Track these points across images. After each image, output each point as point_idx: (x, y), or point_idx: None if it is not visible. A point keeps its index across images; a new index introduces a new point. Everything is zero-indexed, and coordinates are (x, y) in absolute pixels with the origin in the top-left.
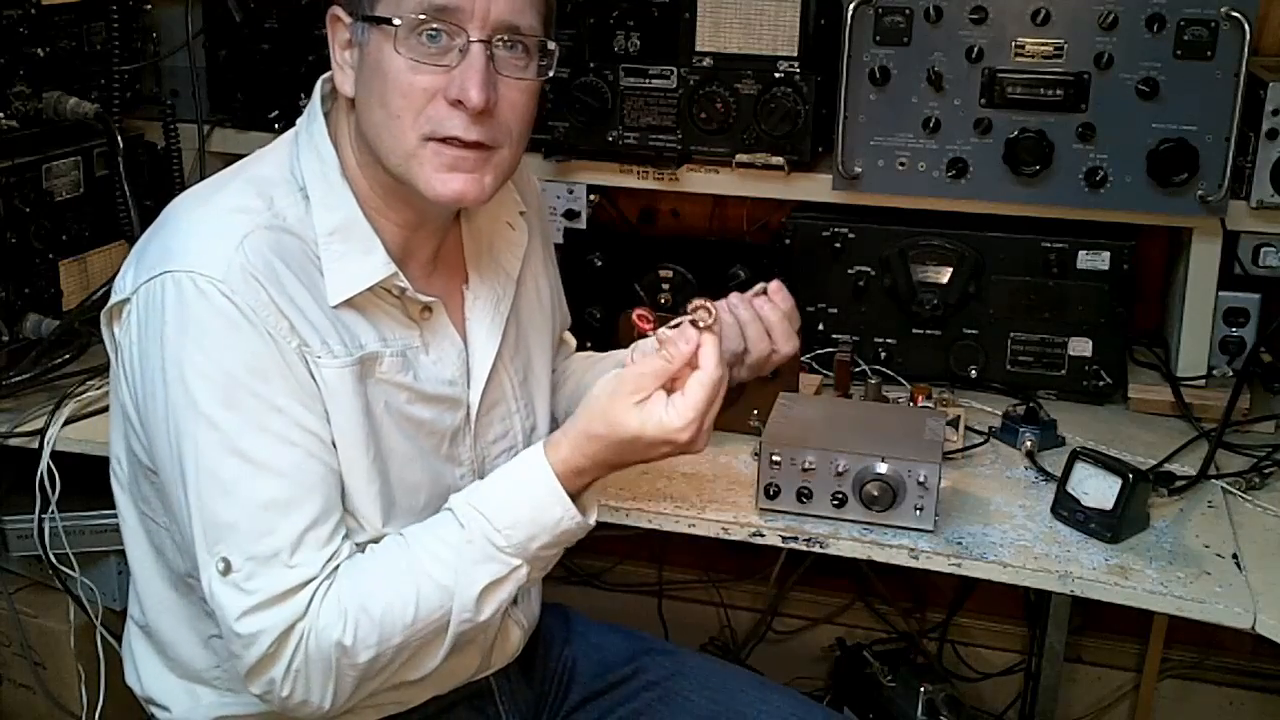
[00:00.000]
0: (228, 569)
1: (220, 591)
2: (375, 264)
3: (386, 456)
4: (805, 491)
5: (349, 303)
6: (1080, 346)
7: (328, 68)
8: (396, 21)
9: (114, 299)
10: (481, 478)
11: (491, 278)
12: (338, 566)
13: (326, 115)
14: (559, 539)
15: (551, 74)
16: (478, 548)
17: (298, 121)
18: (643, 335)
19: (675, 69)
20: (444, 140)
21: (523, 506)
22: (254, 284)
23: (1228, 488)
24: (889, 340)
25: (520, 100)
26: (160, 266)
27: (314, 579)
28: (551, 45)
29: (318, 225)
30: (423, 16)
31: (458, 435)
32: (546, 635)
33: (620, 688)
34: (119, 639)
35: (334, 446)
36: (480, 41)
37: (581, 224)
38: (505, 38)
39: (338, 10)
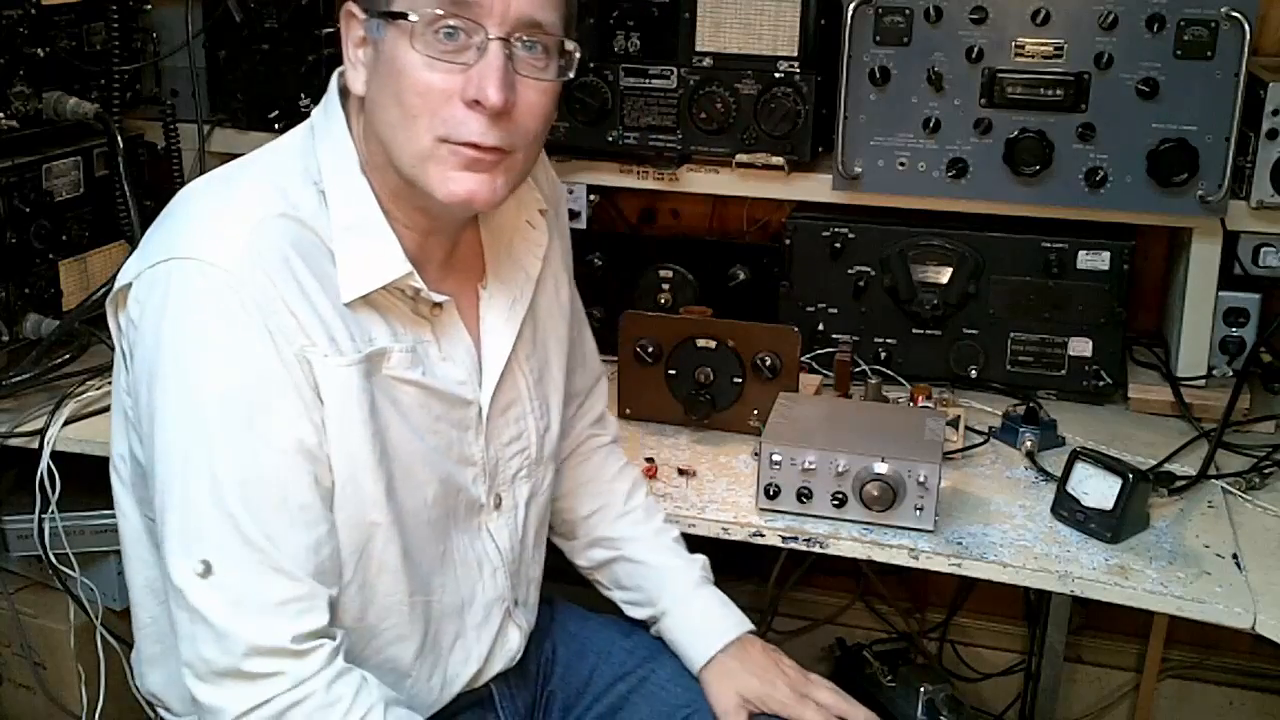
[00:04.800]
0: (208, 570)
1: (199, 592)
2: (390, 262)
3: (393, 455)
4: (805, 491)
5: (362, 299)
6: (1080, 346)
7: (329, 68)
8: (413, 17)
9: (118, 284)
10: (494, 480)
11: (510, 278)
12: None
13: (346, 111)
14: None
15: (571, 75)
16: None
17: (313, 115)
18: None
19: (675, 69)
20: (460, 144)
21: None
22: (261, 275)
23: (1228, 488)
24: (889, 340)
25: (539, 102)
26: (165, 253)
27: (322, 634)
28: (570, 46)
29: (334, 220)
30: (439, 11)
31: (468, 436)
32: (537, 628)
33: (594, 683)
34: (119, 639)
35: (328, 458)
36: (499, 39)
37: (581, 224)
38: (524, 36)
39: (352, 6)
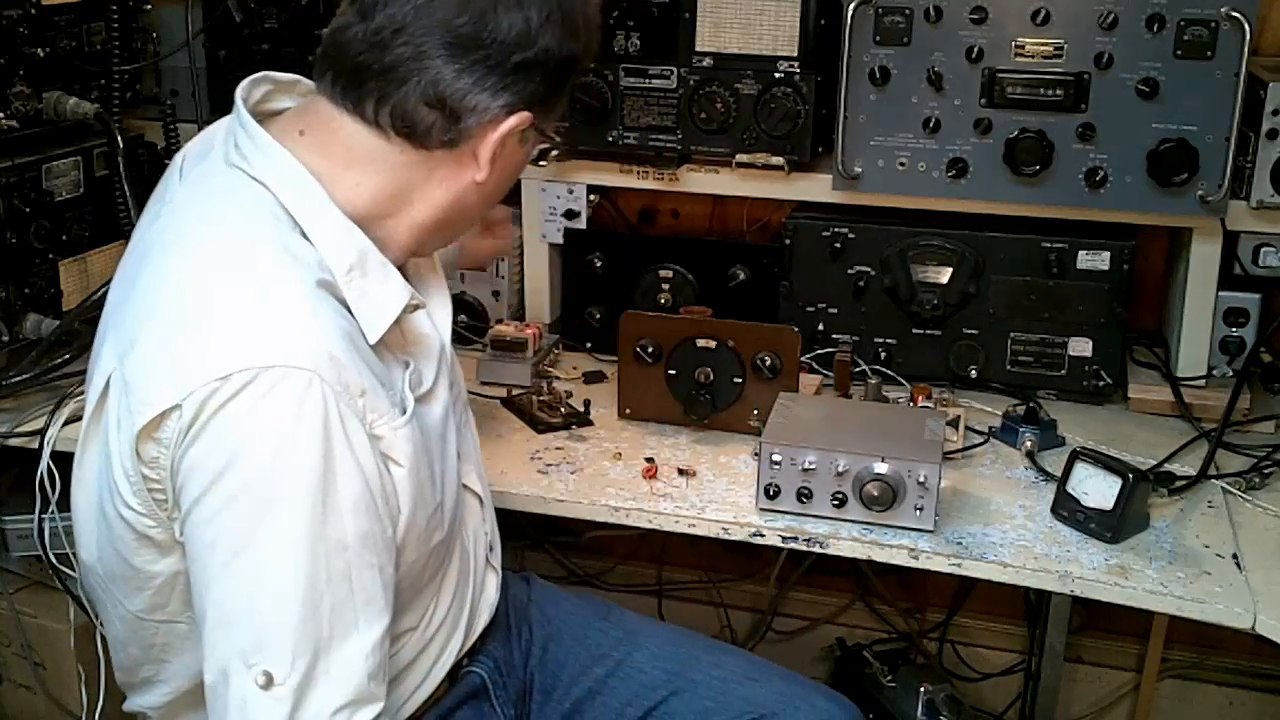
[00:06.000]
0: (269, 682)
1: (259, 705)
2: (396, 289)
3: (439, 473)
4: (805, 491)
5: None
6: (1080, 346)
7: None
8: (555, 138)
9: (152, 410)
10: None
11: None
12: None
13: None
14: None
15: None
16: None
17: (227, 156)
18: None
19: (675, 69)
20: None
21: None
22: (336, 363)
23: (1228, 488)
24: (889, 340)
25: None
26: (227, 365)
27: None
28: None
29: (332, 263)
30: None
31: (449, 394)
32: (516, 608)
33: (570, 666)
34: None
35: (398, 538)
36: None
37: (581, 224)
38: None
39: (526, 115)
